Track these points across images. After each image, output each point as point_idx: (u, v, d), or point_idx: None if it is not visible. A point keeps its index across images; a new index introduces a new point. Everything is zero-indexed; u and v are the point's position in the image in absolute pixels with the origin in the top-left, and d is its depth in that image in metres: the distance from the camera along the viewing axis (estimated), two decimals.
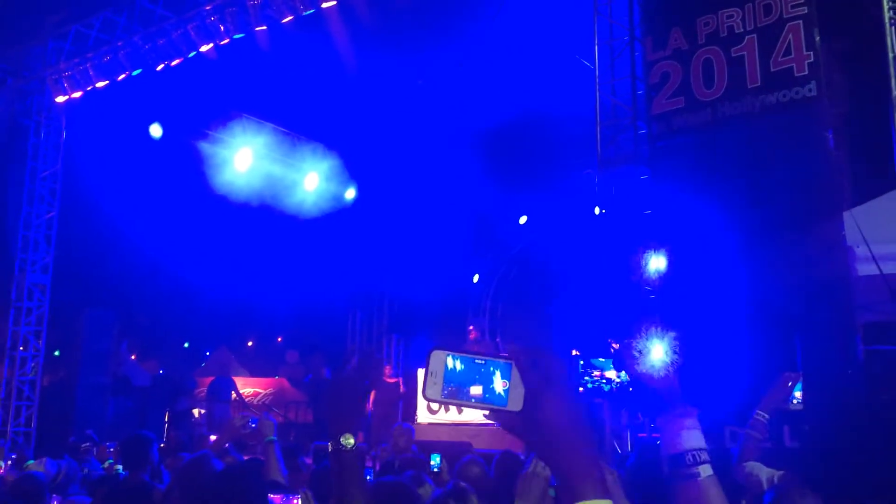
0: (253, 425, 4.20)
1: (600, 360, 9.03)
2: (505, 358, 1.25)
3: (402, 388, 15.00)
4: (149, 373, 18.62)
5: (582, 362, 8.14)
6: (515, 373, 1.23)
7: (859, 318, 6.42)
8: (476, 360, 1.25)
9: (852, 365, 6.10)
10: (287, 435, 13.42)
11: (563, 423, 1.20)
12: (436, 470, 6.06)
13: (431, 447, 7.47)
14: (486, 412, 1.26)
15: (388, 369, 15.42)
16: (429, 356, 1.25)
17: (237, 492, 2.66)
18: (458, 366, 1.25)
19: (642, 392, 1.41)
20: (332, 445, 1.80)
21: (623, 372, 7.42)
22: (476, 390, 1.24)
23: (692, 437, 1.37)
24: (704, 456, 1.38)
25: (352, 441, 1.77)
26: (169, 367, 20.88)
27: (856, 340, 6.20)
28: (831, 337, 6.19)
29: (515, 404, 1.23)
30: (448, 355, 1.25)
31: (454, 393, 1.24)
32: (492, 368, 1.25)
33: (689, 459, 1.36)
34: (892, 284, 7.01)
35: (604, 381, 7.55)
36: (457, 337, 14.59)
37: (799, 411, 6.21)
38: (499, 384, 1.24)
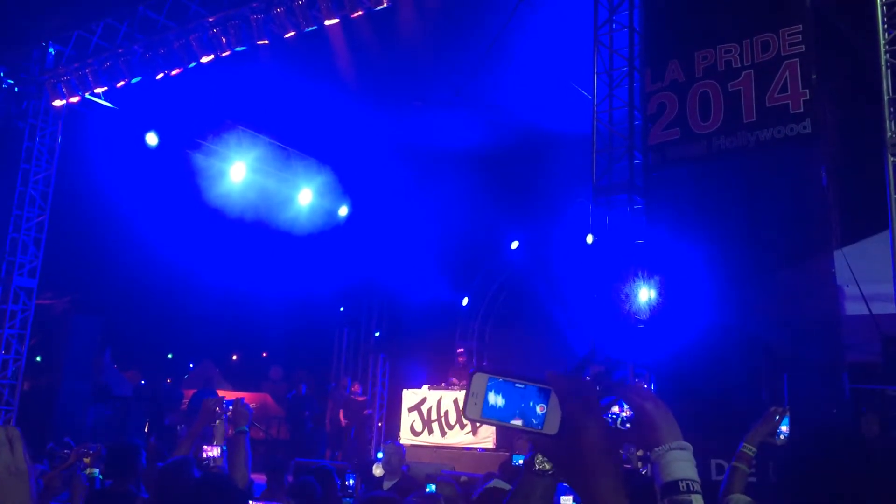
0: (228, 409, 4.05)
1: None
2: (543, 383, 1.31)
3: (367, 409, 15.04)
4: (130, 382, 18.46)
5: None
6: (554, 398, 1.30)
7: (846, 356, 6.43)
8: (516, 385, 1.31)
9: (838, 403, 6.10)
10: (269, 451, 13.31)
11: (598, 450, 1.27)
12: None
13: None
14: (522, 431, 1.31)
15: (356, 387, 15.37)
16: (471, 377, 1.30)
17: (217, 499, 2.60)
18: (498, 388, 1.31)
19: (641, 425, 1.45)
20: (527, 465, 1.44)
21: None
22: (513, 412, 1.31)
23: (687, 468, 1.40)
24: (697, 487, 1.40)
25: (547, 466, 1.40)
26: (151, 378, 20.71)
27: (843, 379, 6.20)
28: (818, 374, 6.20)
29: (551, 428, 1.29)
30: (489, 377, 1.31)
31: (492, 413, 1.31)
32: (529, 392, 1.31)
33: (682, 487, 1.37)
34: (880, 324, 7.04)
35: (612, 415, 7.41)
36: (444, 358, 14.54)
37: (784, 446, 6.18)
38: (536, 408, 1.30)
